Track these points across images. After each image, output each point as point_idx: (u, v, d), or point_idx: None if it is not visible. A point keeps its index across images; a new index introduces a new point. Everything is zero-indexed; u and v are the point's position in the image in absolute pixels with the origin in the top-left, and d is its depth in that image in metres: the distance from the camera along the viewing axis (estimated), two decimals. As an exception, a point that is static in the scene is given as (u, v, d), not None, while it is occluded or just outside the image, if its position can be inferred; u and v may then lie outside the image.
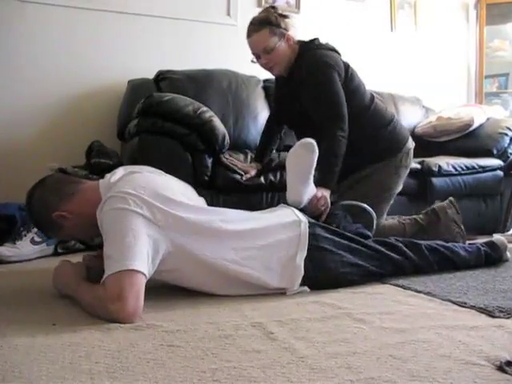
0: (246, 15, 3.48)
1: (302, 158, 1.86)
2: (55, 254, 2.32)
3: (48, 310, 1.38)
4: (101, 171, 2.65)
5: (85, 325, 1.25)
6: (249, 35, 2.23)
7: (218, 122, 2.47)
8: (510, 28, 4.55)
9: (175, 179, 1.71)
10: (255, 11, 3.53)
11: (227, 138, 2.50)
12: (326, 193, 1.99)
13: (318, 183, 2.00)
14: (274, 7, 2.30)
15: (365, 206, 2.04)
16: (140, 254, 1.35)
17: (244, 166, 2.53)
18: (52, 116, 3.00)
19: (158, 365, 1.02)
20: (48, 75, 2.97)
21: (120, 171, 1.60)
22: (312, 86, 2.14)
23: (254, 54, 2.25)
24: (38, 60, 2.95)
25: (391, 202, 2.32)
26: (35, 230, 2.29)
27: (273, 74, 2.35)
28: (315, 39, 2.28)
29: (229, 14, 3.47)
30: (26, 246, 2.21)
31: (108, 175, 1.60)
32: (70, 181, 1.66)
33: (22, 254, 2.18)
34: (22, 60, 2.92)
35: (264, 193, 2.54)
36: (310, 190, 1.92)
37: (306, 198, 1.89)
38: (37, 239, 2.25)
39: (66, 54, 3.01)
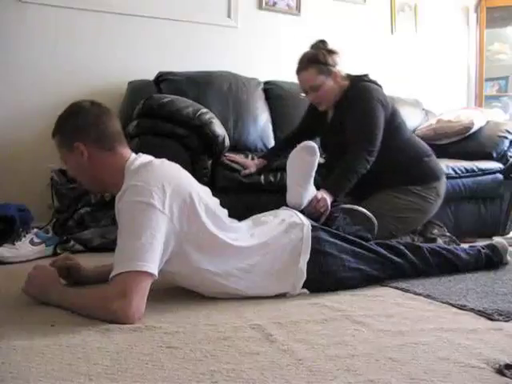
0: (246, 17, 3.51)
1: (303, 160, 1.88)
2: (54, 254, 2.31)
3: (47, 311, 1.38)
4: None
5: (83, 326, 1.25)
6: (297, 72, 2.35)
7: (217, 124, 2.47)
8: (510, 31, 4.56)
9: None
10: (256, 13, 3.58)
11: (227, 139, 2.50)
12: (327, 196, 1.99)
13: (325, 186, 2.04)
14: (323, 41, 2.36)
15: (365, 211, 2.02)
16: (154, 254, 1.35)
17: (245, 162, 2.54)
18: (52, 117, 2.94)
19: (157, 366, 1.01)
20: (48, 76, 2.98)
21: (146, 156, 1.55)
22: (357, 111, 2.23)
23: (302, 89, 2.38)
24: (38, 61, 2.95)
25: (399, 226, 2.30)
26: (34, 230, 2.29)
27: (320, 109, 2.41)
28: (366, 75, 2.39)
29: (229, 16, 3.47)
30: (25, 247, 2.21)
31: (134, 155, 1.54)
32: (115, 135, 1.54)
33: (21, 255, 2.18)
34: (22, 61, 2.92)
35: (263, 194, 2.54)
36: (310, 193, 1.93)
37: (305, 201, 1.89)
38: (36, 240, 2.25)
39: (65, 55, 3.01)
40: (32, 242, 2.24)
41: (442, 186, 2.43)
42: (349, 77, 2.36)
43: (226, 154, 2.54)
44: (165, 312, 1.39)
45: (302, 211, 1.81)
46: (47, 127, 2.99)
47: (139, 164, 1.49)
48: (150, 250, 1.33)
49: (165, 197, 1.40)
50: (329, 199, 1.99)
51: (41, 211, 2.64)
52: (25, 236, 2.23)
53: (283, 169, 2.40)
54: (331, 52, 2.32)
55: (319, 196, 1.95)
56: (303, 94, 2.39)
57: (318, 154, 1.87)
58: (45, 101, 2.97)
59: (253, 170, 2.51)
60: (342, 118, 2.31)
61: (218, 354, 1.09)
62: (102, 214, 2.57)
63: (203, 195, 1.55)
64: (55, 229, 2.48)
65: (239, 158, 2.58)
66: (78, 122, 1.51)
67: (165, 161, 1.57)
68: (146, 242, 1.33)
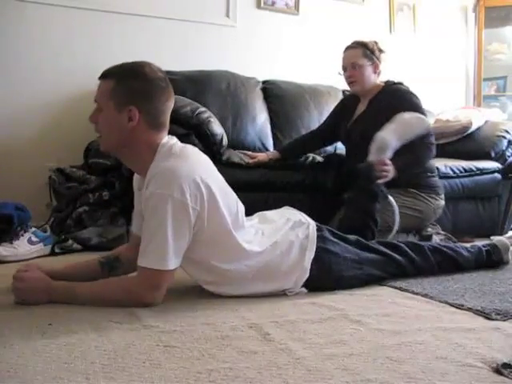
0: (244, 16, 3.51)
1: (412, 124, 2.22)
2: (52, 253, 2.31)
3: (44, 310, 1.37)
4: (99, 172, 2.66)
5: (81, 325, 1.25)
6: (345, 50, 2.56)
7: (216, 123, 2.48)
8: (508, 31, 4.55)
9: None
10: (254, 12, 3.57)
11: (225, 138, 2.50)
12: (392, 168, 2.17)
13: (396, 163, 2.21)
14: (376, 41, 2.58)
15: (395, 204, 2.22)
16: (180, 251, 1.42)
17: (252, 154, 2.64)
18: (50, 116, 3.00)
19: (154, 365, 1.01)
20: (47, 75, 2.97)
21: (178, 141, 1.53)
22: (407, 105, 2.36)
23: (343, 66, 2.55)
24: (37, 60, 2.94)
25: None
26: (32, 229, 2.28)
27: (351, 89, 2.59)
28: (401, 82, 2.57)
29: (228, 16, 3.46)
30: (23, 246, 2.20)
31: (167, 138, 1.50)
32: (167, 118, 1.50)
33: (19, 254, 2.17)
34: (21, 60, 2.91)
35: (264, 192, 2.54)
36: (392, 150, 2.19)
37: (390, 149, 2.18)
38: (34, 239, 2.25)
39: (64, 53, 3.00)
40: (30, 241, 2.23)
41: (441, 202, 2.52)
42: (387, 82, 2.55)
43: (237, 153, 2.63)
44: (162, 311, 1.39)
45: (362, 171, 2.12)
46: (46, 126, 3.02)
47: (171, 149, 1.46)
48: (176, 246, 1.39)
49: (196, 190, 1.40)
50: (392, 171, 2.17)
51: (39, 210, 2.63)
52: (23, 235, 2.23)
53: (287, 168, 2.56)
54: (380, 49, 2.53)
55: (388, 162, 2.15)
56: (342, 72, 2.55)
57: (427, 128, 2.24)
58: (43, 100, 2.96)
59: (263, 158, 2.58)
60: (377, 111, 2.44)
61: (216, 353, 1.09)
62: (100, 213, 2.56)
63: (228, 190, 1.56)
64: (53, 228, 2.48)
65: (249, 152, 2.69)
66: (146, 88, 1.44)
67: (195, 149, 1.57)
68: (173, 238, 1.38)
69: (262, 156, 2.61)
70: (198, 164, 1.49)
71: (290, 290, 1.59)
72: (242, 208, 1.60)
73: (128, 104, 1.42)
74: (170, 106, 1.50)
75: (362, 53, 2.49)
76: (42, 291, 1.43)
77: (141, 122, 1.44)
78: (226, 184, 1.59)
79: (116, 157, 1.59)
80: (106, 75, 1.47)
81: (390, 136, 2.19)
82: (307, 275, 1.59)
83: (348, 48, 2.55)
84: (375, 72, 2.52)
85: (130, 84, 1.44)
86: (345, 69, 2.54)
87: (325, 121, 2.83)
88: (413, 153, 2.30)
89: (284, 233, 1.64)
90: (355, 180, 2.16)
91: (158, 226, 1.38)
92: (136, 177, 1.62)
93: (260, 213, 1.81)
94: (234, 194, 1.60)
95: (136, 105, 1.42)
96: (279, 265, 1.57)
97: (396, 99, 2.42)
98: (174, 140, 1.52)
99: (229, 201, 1.53)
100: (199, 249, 1.48)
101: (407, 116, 2.25)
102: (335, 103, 3.34)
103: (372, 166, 2.14)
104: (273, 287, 1.58)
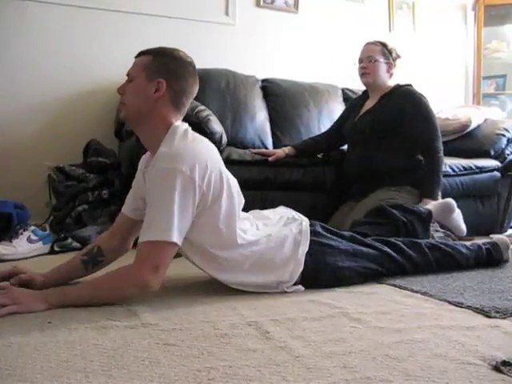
0: (244, 14, 3.50)
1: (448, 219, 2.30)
2: (52, 252, 2.31)
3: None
4: (98, 170, 2.66)
5: (80, 323, 1.25)
6: (365, 44, 2.67)
7: (215, 121, 2.47)
8: (507, 29, 4.55)
9: None
10: (254, 11, 3.57)
11: (224, 137, 2.50)
12: (431, 203, 2.29)
13: (425, 196, 2.36)
14: (395, 48, 2.68)
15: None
16: (182, 226, 1.42)
17: (269, 152, 2.69)
18: (50, 114, 3.00)
19: (154, 363, 1.01)
20: (46, 74, 2.96)
21: (190, 129, 1.58)
22: (420, 114, 2.50)
23: (359, 59, 2.64)
24: (37, 58, 2.94)
25: None
26: (32, 228, 2.28)
27: (362, 80, 2.66)
28: (410, 84, 2.66)
29: (227, 14, 3.46)
30: (23, 245, 2.20)
31: (180, 121, 1.57)
32: (188, 104, 1.60)
33: (19, 253, 2.17)
34: (21, 58, 2.91)
35: (265, 191, 2.54)
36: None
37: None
38: (33, 238, 2.25)
39: (64, 52, 3.00)
40: (29, 240, 2.23)
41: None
42: (396, 84, 2.63)
43: (251, 150, 2.69)
44: (161, 309, 1.39)
45: None
46: (45, 125, 3.02)
47: (184, 132, 1.52)
48: (180, 221, 1.40)
49: (205, 172, 1.45)
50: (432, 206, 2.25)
51: (38, 209, 2.63)
52: (22, 234, 2.23)
53: (288, 165, 2.60)
54: (398, 54, 2.66)
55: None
56: (357, 63, 2.64)
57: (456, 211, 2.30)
58: (43, 99, 2.96)
59: (280, 155, 2.61)
60: (388, 106, 2.54)
61: (215, 351, 1.09)
62: (99, 212, 2.56)
63: (231, 180, 1.59)
64: (53, 226, 2.48)
65: (264, 150, 2.78)
66: (178, 68, 1.54)
67: (203, 137, 1.62)
68: (178, 213, 1.39)
69: (279, 153, 2.63)
70: (208, 149, 1.56)
71: (286, 283, 1.60)
72: (242, 200, 1.64)
73: (158, 76, 1.50)
74: (195, 91, 1.60)
75: (380, 50, 2.60)
76: (32, 302, 1.35)
77: (165, 96, 1.51)
78: (231, 174, 1.62)
79: (132, 129, 1.64)
80: (143, 53, 1.57)
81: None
82: (301, 268, 1.61)
83: (368, 43, 2.66)
84: (388, 72, 2.60)
85: (164, 61, 1.54)
86: (361, 61, 2.62)
87: (335, 122, 2.87)
88: (428, 168, 2.44)
89: (278, 228, 1.67)
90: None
91: (164, 200, 1.40)
92: (144, 157, 1.66)
93: (254, 211, 1.83)
94: (238, 185, 1.63)
95: (166, 79, 1.51)
96: (273, 257, 1.59)
97: (409, 101, 2.51)
98: (187, 126, 1.58)
99: (232, 189, 1.56)
100: (198, 232, 1.50)
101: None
102: (335, 101, 3.36)
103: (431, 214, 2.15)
104: (268, 279, 1.59)
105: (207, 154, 1.51)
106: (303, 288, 1.61)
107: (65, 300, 1.39)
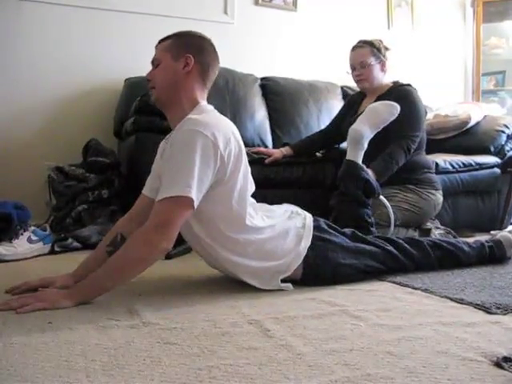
0: (242, 13, 3.50)
1: (380, 110, 2.27)
2: (52, 252, 2.31)
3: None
4: (98, 170, 2.66)
5: (81, 323, 1.25)
6: (353, 49, 2.60)
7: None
8: (506, 26, 4.55)
9: None
10: (252, 9, 3.57)
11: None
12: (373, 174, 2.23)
13: (372, 168, 2.27)
14: (381, 40, 2.62)
15: (388, 204, 2.24)
16: (201, 186, 1.43)
17: (268, 151, 2.67)
18: (49, 114, 3.00)
19: (155, 362, 1.01)
20: (45, 73, 2.96)
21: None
22: (406, 108, 2.36)
23: (351, 66, 2.59)
24: (35, 58, 2.94)
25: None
26: (32, 228, 2.28)
27: (359, 86, 2.64)
28: (410, 84, 2.60)
29: (226, 12, 3.46)
30: (23, 245, 2.20)
31: (206, 103, 1.63)
32: (211, 84, 1.67)
33: (19, 253, 2.17)
34: (19, 58, 2.91)
35: (265, 189, 2.52)
36: (367, 140, 2.24)
37: (365, 139, 2.23)
38: (33, 238, 2.24)
39: (62, 52, 3.00)
40: (30, 240, 2.23)
41: (439, 196, 2.52)
42: (394, 82, 2.60)
43: (251, 149, 2.63)
44: (162, 308, 1.39)
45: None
46: (45, 125, 3.02)
47: (210, 109, 1.60)
48: (200, 183, 1.41)
49: (227, 143, 1.49)
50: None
51: (38, 209, 2.62)
52: (22, 234, 2.23)
53: (288, 163, 2.59)
54: (386, 47, 2.58)
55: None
56: (349, 71, 2.60)
57: (396, 114, 2.24)
58: (42, 98, 2.96)
59: (278, 155, 2.60)
60: None
61: (216, 349, 1.08)
62: (99, 212, 2.56)
63: (248, 166, 1.63)
64: (53, 226, 2.48)
65: (263, 149, 2.75)
66: (201, 42, 1.63)
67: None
68: (198, 174, 1.41)
69: (277, 153, 2.61)
70: (232, 127, 1.61)
71: (283, 274, 1.60)
72: (253, 187, 1.68)
73: (185, 53, 1.57)
74: (217, 66, 1.68)
75: (369, 51, 2.54)
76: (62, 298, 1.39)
77: (194, 70, 1.58)
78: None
79: (161, 109, 1.66)
80: (162, 40, 1.64)
81: (362, 126, 2.25)
82: (300, 260, 1.62)
83: (355, 47, 2.59)
84: (382, 70, 2.56)
85: (186, 39, 1.63)
86: (353, 68, 2.58)
87: (333, 119, 2.85)
88: (389, 154, 2.34)
89: (282, 220, 1.69)
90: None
91: (185, 161, 1.42)
92: (162, 144, 1.70)
93: (259, 203, 1.82)
94: (250, 174, 1.67)
95: (192, 53, 1.58)
96: (275, 248, 1.60)
97: (403, 103, 2.40)
98: (213, 107, 1.64)
99: (247, 173, 1.60)
100: (211, 204, 1.51)
101: (376, 104, 2.32)
102: (334, 99, 3.36)
103: (355, 164, 2.17)
104: (266, 266, 1.59)
105: (232, 130, 1.57)
106: (292, 287, 1.60)
107: (87, 292, 1.40)
